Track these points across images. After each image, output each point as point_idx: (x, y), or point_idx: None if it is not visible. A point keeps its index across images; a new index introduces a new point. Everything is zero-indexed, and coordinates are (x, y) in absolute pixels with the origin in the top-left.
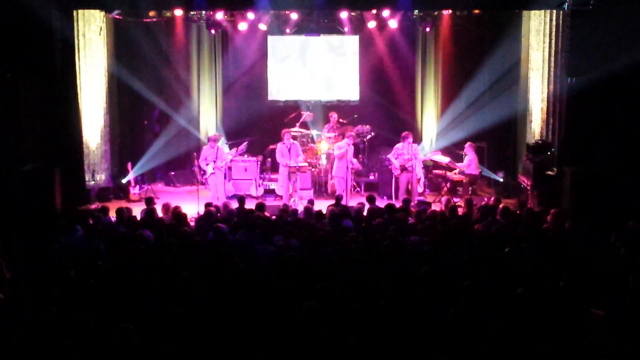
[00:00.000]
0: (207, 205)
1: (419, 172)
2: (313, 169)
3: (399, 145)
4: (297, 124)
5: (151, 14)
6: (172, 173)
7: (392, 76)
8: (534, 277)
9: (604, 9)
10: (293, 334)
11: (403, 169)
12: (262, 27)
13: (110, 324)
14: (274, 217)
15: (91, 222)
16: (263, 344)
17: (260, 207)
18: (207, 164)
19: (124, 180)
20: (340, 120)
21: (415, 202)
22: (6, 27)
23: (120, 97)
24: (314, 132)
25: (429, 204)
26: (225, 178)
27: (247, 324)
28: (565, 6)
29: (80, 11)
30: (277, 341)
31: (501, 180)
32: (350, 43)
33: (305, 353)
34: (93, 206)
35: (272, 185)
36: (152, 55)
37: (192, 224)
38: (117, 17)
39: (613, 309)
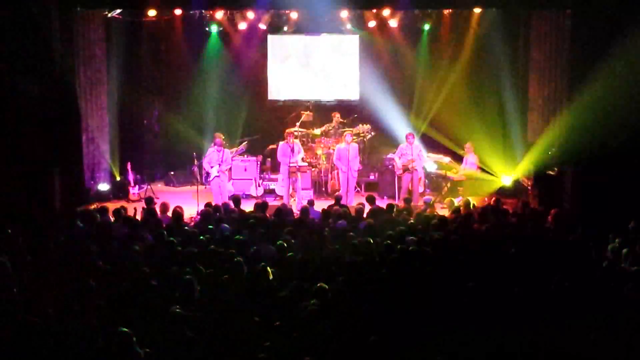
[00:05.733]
0: (207, 205)
1: (421, 172)
2: (313, 169)
3: (403, 145)
4: (297, 124)
5: (151, 13)
6: (172, 173)
7: (392, 76)
8: (535, 278)
9: (605, 8)
10: (293, 334)
11: (405, 169)
12: (262, 26)
13: (108, 327)
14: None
15: (89, 221)
16: (263, 343)
17: (263, 206)
18: (211, 167)
19: (123, 180)
20: (341, 120)
21: (423, 201)
22: (6, 27)
23: (120, 96)
24: (314, 132)
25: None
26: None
27: (247, 324)
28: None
29: (80, 11)
30: (278, 341)
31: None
32: (350, 42)
33: (305, 353)
34: (92, 206)
35: (272, 185)
36: (151, 54)
37: (192, 224)
38: (117, 17)
39: (614, 309)
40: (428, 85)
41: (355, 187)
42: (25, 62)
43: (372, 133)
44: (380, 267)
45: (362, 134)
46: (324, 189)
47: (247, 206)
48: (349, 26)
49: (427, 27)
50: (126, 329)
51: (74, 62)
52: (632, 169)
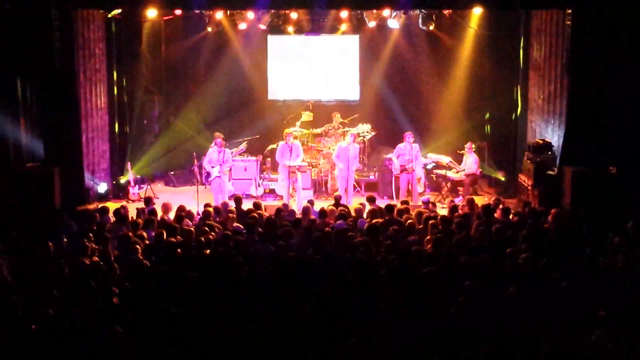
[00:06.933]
0: (206, 205)
1: (419, 172)
2: (313, 169)
3: (401, 145)
4: (297, 124)
5: (151, 13)
6: (172, 173)
7: (392, 76)
8: (535, 277)
9: (605, 8)
10: (293, 334)
11: (403, 169)
12: (262, 26)
13: (104, 326)
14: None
15: (89, 222)
16: (263, 343)
17: (257, 206)
18: (212, 167)
19: (122, 180)
20: (341, 120)
21: (421, 201)
22: (6, 27)
23: (120, 97)
24: (314, 132)
25: (434, 204)
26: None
27: (247, 324)
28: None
29: (79, 11)
30: (278, 341)
31: (502, 179)
32: (350, 42)
33: (305, 353)
34: (92, 206)
35: (272, 185)
36: (151, 54)
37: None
38: (117, 16)
39: (614, 309)
40: (428, 84)
41: (355, 187)
42: (25, 62)
43: (372, 133)
44: (380, 267)
45: (362, 134)
46: (324, 189)
47: (248, 206)
48: (348, 26)
49: (426, 26)
50: (120, 328)
51: (74, 62)
52: (632, 169)
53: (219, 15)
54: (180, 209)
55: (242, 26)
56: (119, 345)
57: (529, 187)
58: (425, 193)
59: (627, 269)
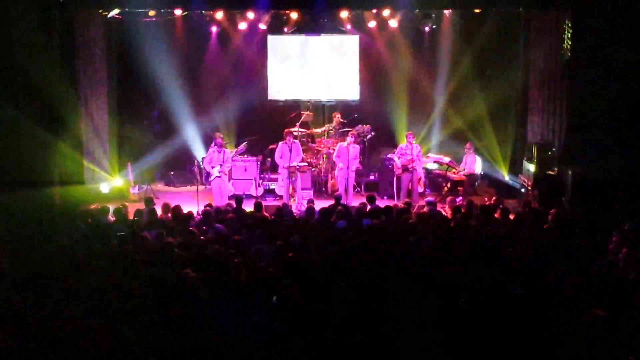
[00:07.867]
0: (207, 205)
1: (420, 172)
2: (313, 169)
3: (402, 145)
4: (297, 124)
5: (151, 13)
6: (172, 173)
7: (392, 76)
8: (535, 277)
9: (605, 8)
10: (293, 334)
11: (405, 169)
12: (262, 26)
13: (105, 326)
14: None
15: (90, 222)
16: (264, 344)
17: (258, 206)
18: (212, 167)
19: (123, 180)
20: (341, 120)
21: (425, 202)
22: (6, 27)
23: (120, 96)
24: (314, 132)
25: (435, 204)
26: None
27: (247, 323)
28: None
29: (79, 11)
30: (279, 341)
31: (503, 179)
32: (350, 43)
33: (305, 353)
34: (93, 206)
35: (272, 185)
36: (151, 54)
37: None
38: (117, 17)
39: (613, 309)
40: (428, 85)
41: (355, 187)
42: (25, 62)
43: (372, 133)
44: (380, 267)
45: (362, 134)
46: (324, 189)
47: (248, 206)
48: (348, 26)
49: (426, 27)
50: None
51: (74, 62)
52: (632, 169)
53: (219, 15)
54: (177, 209)
55: (242, 26)
56: (120, 345)
57: (529, 187)
58: (425, 193)
59: (627, 269)
